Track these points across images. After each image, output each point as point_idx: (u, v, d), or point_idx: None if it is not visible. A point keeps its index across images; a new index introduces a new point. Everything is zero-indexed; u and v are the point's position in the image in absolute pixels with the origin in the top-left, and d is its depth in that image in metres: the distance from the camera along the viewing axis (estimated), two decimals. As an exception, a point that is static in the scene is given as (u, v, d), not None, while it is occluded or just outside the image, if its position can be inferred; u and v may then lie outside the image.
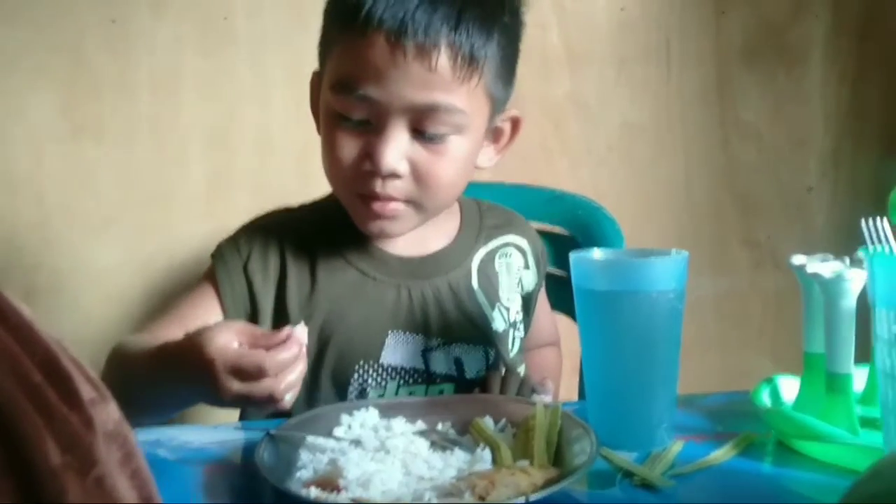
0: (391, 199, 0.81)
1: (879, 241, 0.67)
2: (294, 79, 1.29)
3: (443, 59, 0.76)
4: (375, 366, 0.86)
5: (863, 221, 0.67)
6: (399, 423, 0.68)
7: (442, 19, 0.76)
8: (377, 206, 0.82)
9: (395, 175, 0.79)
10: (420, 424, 0.69)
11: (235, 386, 0.63)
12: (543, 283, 1.01)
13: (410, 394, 0.86)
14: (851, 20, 1.54)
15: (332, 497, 0.55)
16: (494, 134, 0.89)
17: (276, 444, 0.64)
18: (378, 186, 0.80)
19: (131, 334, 0.84)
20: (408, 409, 0.71)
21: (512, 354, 0.93)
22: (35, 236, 1.28)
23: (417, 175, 0.81)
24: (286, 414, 0.72)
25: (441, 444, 0.66)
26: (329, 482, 0.57)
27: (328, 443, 0.65)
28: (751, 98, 1.53)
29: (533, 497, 0.53)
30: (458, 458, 0.63)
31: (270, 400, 0.63)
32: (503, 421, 0.69)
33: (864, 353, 0.68)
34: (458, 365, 0.89)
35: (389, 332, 0.87)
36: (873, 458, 0.49)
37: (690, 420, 0.75)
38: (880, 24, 1.55)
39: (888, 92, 1.56)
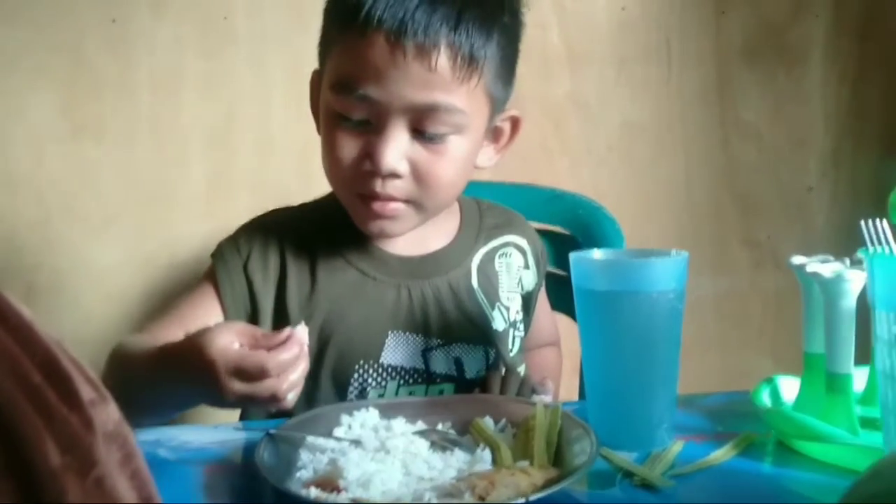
0: (391, 198, 0.81)
1: (879, 242, 0.67)
2: (294, 79, 1.29)
3: (443, 59, 0.76)
4: (375, 366, 0.86)
5: (862, 223, 0.67)
6: (399, 424, 0.68)
7: (442, 19, 0.76)
8: (377, 205, 0.82)
9: (395, 175, 0.79)
10: (420, 425, 0.69)
11: (238, 387, 0.63)
12: (543, 283, 1.01)
13: (410, 394, 0.86)
14: (851, 20, 1.54)
15: (332, 497, 0.55)
16: (494, 134, 0.89)
17: (276, 444, 0.64)
18: (378, 186, 0.80)
19: (131, 334, 0.84)
20: (408, 410, 0.71)
21: (512, 354, 0.93)
22: (36, 236, 1.28)
23: (417, 175, 0.81)
24: (286, 414, 0.72)
25: (441, 444, 0.66)
26: (329, 482, 0.57)
27: (328, 443, 0.65)
28: (751, 98, 1.53)
29: (533, 497, 0.53)
30: (458, 458, 0.63)
31: (273, 399, 0.63)
32: (503, 421, 0.69)
33: (864, 354, 0.68)
34: (458, 365, 0.89)
35: (389, 331, 0.87)
36: (873, 459, 0.49)
37: (690, 420, 0.75)
38: (880, 24, 1.55)
39: (888, 92, 1.56)
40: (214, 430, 0.74)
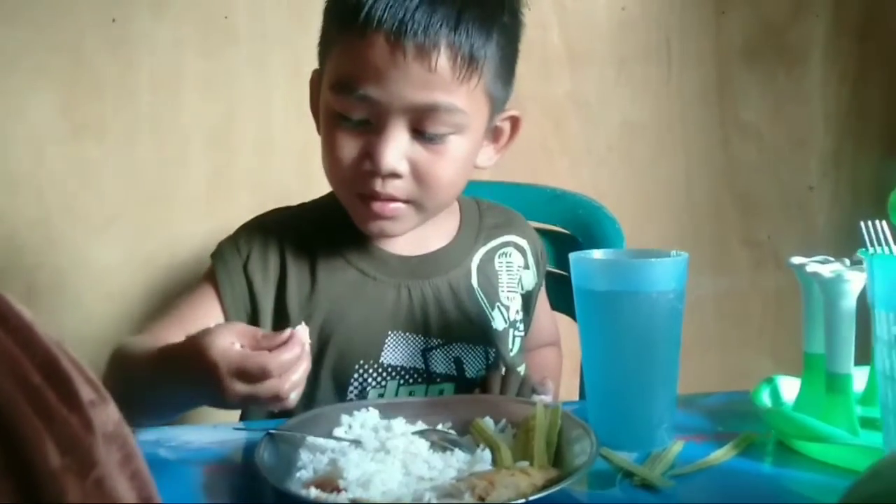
0: (391, 198, 0.81)
1: (879, 242, 0.67)
2: (294, 79, 1.30)
3: (442, 60, 0.76)
4: (375, 365, 0.86)
5: (862, 224, 0.67)
6: (399, 424, 0.68)
7: (441, 19, 0.76)
8: (377, 206, 0.82)
9: (395, 175, 0.79)
10: (420, 425, 0.69)
11: (240, 388, 0.63)
12: (543, 283, 1.01)
13: (410, 394, 0.86)
14: (851, 20, 1.54)
15: (332, 497, 0.55)
16: (494, 133, 0.89)
17: (276, 444, 0.64)
18: (378, 186, 0.80)
19: (132, 335, 0.84)
20: (408, 410, 0.71)
21: (512, 354, 0.93)
22: (36, 235, 1.28)
23: (417, 175, 0.81)
24: (286, 414, 0.72)
25: (441, 444, 0.66)
26: (329, 482, 0.57)
27: (328, 443, 0.65)
28: (751, 98, 1.53)
29: (533, 497, 0.53)
30: (458, 458, 0.63)
31: (276, 400, 0.63)
32: (503, 421, 0.69)
33: (864, 354, 0.68)
34: (458, 364, 0.89)
35: (389, 331, 0.87)
36: (873, 459, 0.49)
37: (690, 420, 0.75)
38: (880, 24, 1.55)
39: (889, 92, 1.56)
40: (214, 430, 0.74)
